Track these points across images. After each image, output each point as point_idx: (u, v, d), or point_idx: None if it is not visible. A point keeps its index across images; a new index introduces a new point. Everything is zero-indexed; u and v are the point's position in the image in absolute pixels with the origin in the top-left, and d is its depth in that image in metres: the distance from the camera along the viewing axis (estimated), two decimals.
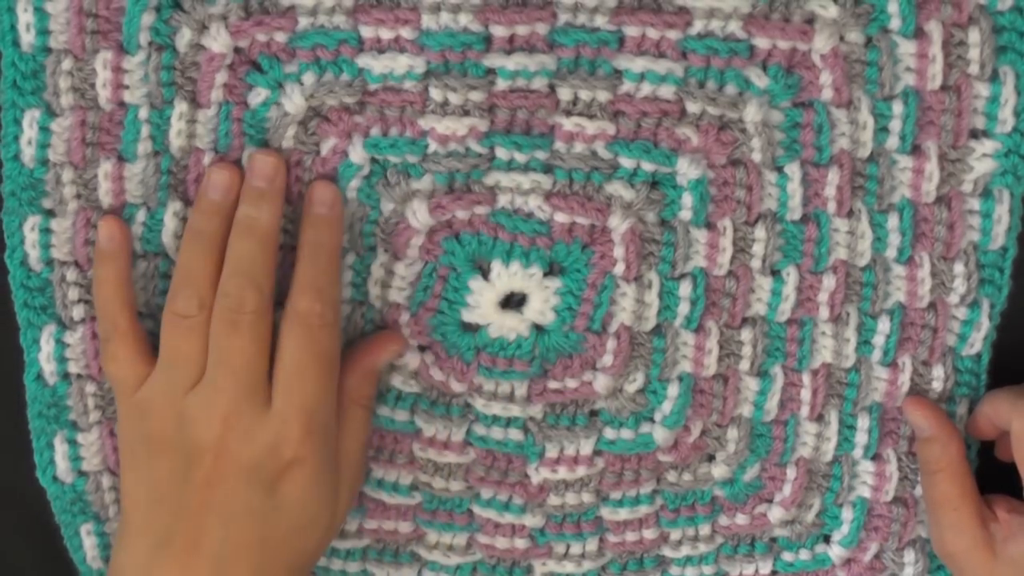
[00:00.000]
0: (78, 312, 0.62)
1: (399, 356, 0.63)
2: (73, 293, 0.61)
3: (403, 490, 0.66)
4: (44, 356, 0.62)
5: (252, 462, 0.57)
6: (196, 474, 0.57)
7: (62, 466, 0.64)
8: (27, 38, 0.58)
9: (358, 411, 0.62)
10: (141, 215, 0.61)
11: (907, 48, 0.59)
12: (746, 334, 0.63)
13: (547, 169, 0.61)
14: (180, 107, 0.59)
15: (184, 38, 0.58)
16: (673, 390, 0.64)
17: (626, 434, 0.65)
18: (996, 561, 0.62)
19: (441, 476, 0.66)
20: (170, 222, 0.61)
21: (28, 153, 0.59)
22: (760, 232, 0.62)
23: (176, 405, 0.58)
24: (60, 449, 0.63)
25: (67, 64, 0.59)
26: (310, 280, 0.59)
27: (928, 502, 0.64)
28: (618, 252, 0.61)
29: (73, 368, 0.62)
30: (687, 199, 0.61)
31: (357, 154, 0.60)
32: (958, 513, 0.63)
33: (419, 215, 0.61)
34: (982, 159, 0.61)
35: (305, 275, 0.59)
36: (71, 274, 0.61)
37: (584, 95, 0.59)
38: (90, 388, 0.63)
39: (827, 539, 0.68)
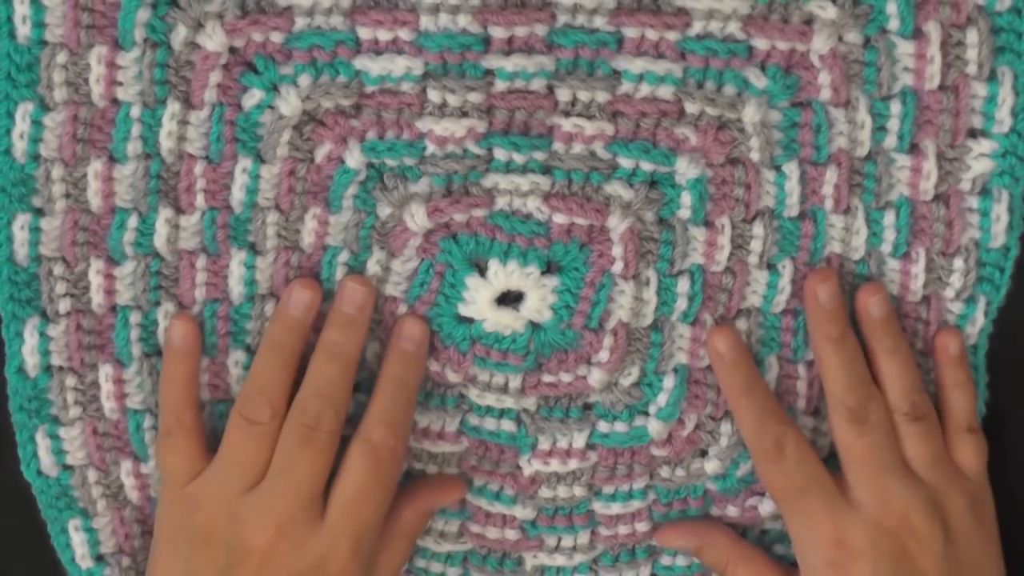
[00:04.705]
0: (64, 306, 0.61)
1: (457, 501, 0.66)
2: (60, 287, 0.61)
3: None
4: (28, 349, 0.61)
5: (297, 572, 0.59)
6: (238, 572, 0.59)
7: (46, 460, 0.64)
8: (23, 30, 0.58)
9: (403, 543, 0.64)
10: (132, 220, 0.60)
11: (905, 48, 0.59)
12: (741, 325, 0.64)
13: (546, 170, 0.60)
14: (172, 107, 0.59)
15: (179, 35, 0.58)
16: (669, 382, 0.64)
17: (620, 427, 0.65)
18: None
19: (435, 464, 0.66)
20: (162, 228, 0.60)
21: (20, 147, 0.59)
22: (758, 229, 0.62)
23: (229, 504, 0.59)
24: (43, 443, 0.63)
25: (62, 58, 0.58)
26: (388, 414, 0.61)
27: None
28: (616, 251, 0.61)
29: (56, 361, 0.62)
30: (686, 198, 0.61)
31: (354, 159, 0.60)
32: None
33: (417, 218, 0.61)
34: (979, 159, 0.61)
35: (383, 408, 0.61)
36: (58, 269, 0.61)
37: (583, 96, 0.59)
38: (71, 382, 0.63)
39: None
